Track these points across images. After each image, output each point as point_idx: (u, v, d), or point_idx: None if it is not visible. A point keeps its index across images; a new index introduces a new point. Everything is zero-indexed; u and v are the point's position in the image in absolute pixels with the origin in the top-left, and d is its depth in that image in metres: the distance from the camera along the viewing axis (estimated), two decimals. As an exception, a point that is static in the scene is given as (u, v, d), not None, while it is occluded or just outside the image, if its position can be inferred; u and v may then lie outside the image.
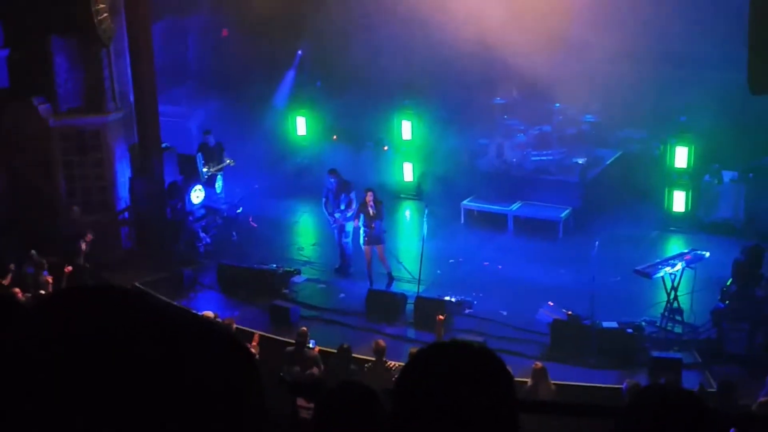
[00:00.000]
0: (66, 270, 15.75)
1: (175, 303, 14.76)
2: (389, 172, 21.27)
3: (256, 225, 19.64)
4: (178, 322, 1.36)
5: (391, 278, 16.82)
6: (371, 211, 16.50)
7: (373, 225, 16.55)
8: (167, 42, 22.24)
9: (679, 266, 14.88)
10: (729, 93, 16.75)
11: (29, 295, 14.15)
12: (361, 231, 16.66)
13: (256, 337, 13.99)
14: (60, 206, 17.88)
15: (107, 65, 17.99)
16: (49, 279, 15.43)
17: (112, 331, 1.28)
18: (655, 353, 13.73)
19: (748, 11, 12.10)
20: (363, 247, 16.75)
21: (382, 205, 16.84)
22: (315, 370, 12.75)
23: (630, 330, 14.22)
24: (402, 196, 21.27)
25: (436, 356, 2.09)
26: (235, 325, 13.74)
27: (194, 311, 14.17)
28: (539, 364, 12.65)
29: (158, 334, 1.32)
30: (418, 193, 21.11)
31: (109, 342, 1.27)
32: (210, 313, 13.97)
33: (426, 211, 16.91)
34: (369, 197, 16.57)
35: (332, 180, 17.26)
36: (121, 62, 18.33)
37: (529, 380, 12.29)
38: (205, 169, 19.15)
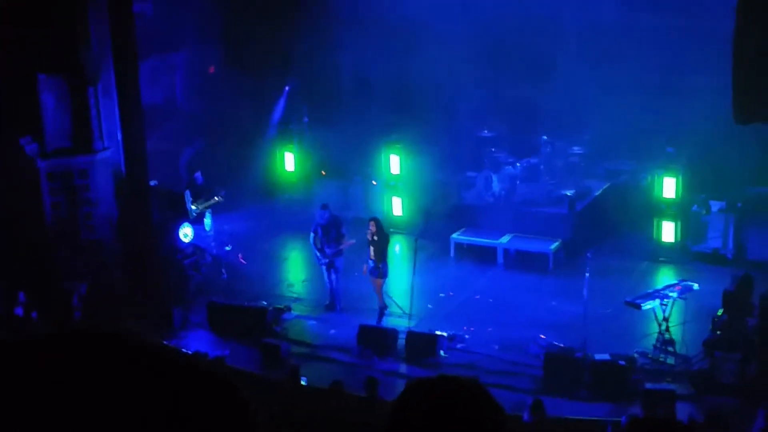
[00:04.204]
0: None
1: (165, 342, 14.69)
2: (378, 206, 21.27)
3: (245, 262, 19.60)
4: (168, 364, 1.35)
5: (382, 313, 16.77)
6: (372, 243, 16.59)
7: (371, 256, 16.62)
8: (154, 79, 22.30)
9: (669, 297, 14.88)
10: (715, 123, 16.83)
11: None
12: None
13: None
14: (48, 247, 17.78)
15: (94, 104, 17.98)
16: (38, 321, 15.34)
17: (103, 375, 1.27)
18: (648, 385, 13.70)
19: (732, 44, 12.23)
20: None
21: (386, 237, 16.85)
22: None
23: (622, 362, 14.18)
24: (391, 230, 21.28)
25: (427, 392, 2.07)
26: (225, 364, 13.65)
27: (184, 350, 14.12)
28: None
29: (149, 376, 1.30)
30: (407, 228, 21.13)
31: (100, 386, 1.25)
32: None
33: (416, 245, 16.90)
34: (372, 227, 16.64)
35: (324, 214, 17.25)
36: (109, 100, 18.33)
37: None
38: (193, 207, 19.11)
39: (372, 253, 16.69)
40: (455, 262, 19.79)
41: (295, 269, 20.19)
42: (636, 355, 14.67)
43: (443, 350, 15.37)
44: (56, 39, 16.95)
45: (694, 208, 19.16)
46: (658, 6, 21.38)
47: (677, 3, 21.16)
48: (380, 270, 16.68)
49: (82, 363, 1.30)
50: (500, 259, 19.63)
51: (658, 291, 15.29)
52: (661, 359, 14.77)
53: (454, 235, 20.12)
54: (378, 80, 22.34)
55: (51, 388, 1.27)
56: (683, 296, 15.07)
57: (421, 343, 15.39)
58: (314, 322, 17.13)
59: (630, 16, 21.41)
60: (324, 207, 17.42)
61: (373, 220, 16.95)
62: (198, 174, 20.00)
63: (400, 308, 16.83)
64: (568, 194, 20.12)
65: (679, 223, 19.10)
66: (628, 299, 15.20)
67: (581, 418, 13.07)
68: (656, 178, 19.33)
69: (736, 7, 12.10)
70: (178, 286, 18.10)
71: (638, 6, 21.46)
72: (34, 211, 17.81)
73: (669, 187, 19.08)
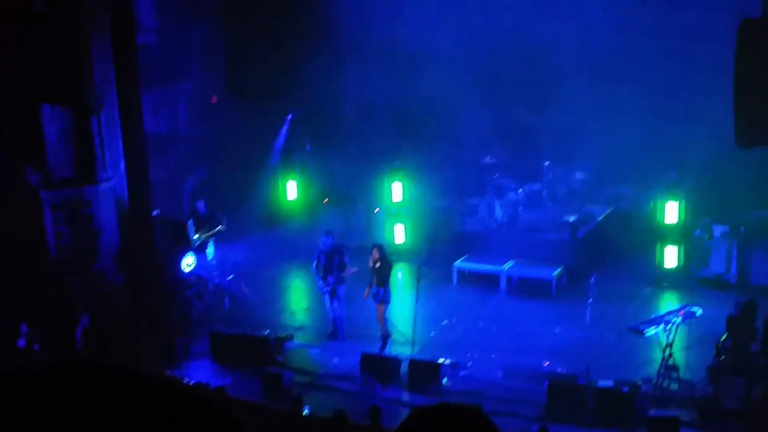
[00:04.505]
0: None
1: (168, 373, 14.67)
2: (381, 234, 21.26)
3: (247, 290, 19.59)
4: (169, 395, 1.35)
5: (385, 341, 16.73)
6: (374, 269, 16.59)
7: (373, 283, 16.63)
8: (158, 108, 22.39)
9: (673, 323, 14.83)
10: (717, 147, 16.85)
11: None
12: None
13: None
14: (51, 278, 17.79)
15: (98, 134, 18.04)
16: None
17: (102, 407, 1.27)
18: (653, 411, 13.64)
19: (733, 68, 12.26)
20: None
21: (389, 264, 16.85)
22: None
23: (626, 389, 14.11)
24: (394, 257, 21.27)
25: (430, 420, 2.07)
26: (227, 394, 13.62)
27: (186, 381, 14.08)
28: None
29: (149, 408, 1.30)
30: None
31: (99, 418, 1.25)
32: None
33: (419, 273, 16.88)
34: (375, 254, 16.65)
35: (328, 241, 17.26)
36: (112, 130, 18.39)
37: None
38: (195, 236, 19.13)
39: (375, 279, 16.70)
40: (458, 289, 19.76)
41: (298, 298, 20.18)
42: (640, 382, 14.60)
43: (446, 378, 15.32)
44: (60, 69, 17.03)
45: (697, 232, 19.14)
46: (658, 31, 21.46)
47: (678, 27, 21.25)
48: (382, 296, 16.66)
49: (81, 394, 1.31)
50: (503, 285, 19.60)
51: (661, 316, 15.23)
52: (665, 385, 14.70)
53: (457, 262, 20.11)
54: (380, 107, 22.44)
55: (50, 419, 1.27)
56: (687, 321, 15.02)
57: (424, 371, 15.34)
58: (317, 351, 17.09)
59: (631, 41, 21.50)
60: (328, 233, 17.43)
61: (376, 247, 16.96)
62: (200, 203, 20.03)
63: (403, 336, 16.79)
64: (571, 220, 20.12)
65: (681, 248, 19.08)
66: (631, 325, 15.15)
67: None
68: (659, 202, 19.31)
69: (737, 31, 12.15)
70: (180, 316, 18.08)
71: (639, 31, 21.55)
72: (38, 242, 17.83)
73: (671, 212, 19.06)
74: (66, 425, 1.27)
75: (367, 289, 16.81)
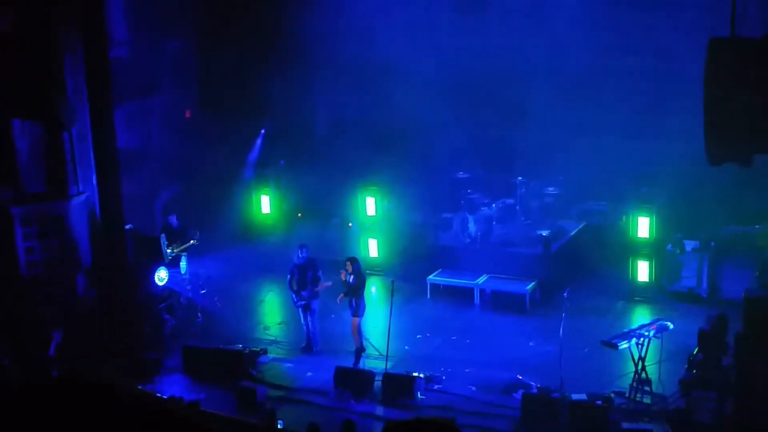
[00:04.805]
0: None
1: (140, 387, 14.57)
2: (354, 248, 21.27)
3: (220, 305, 19.52)
4: (143, 410, 1.36)
5: (359, 355, 16.70)
6: (346, 282, 16.57)
7: (344, 295, 16.68)
8: (130, 123, 22.30)
9: (645, 336, 14.92)
10: (688, 163, 16.98)
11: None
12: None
13: None
14: (22, 293, 17.63)
15: (69, 149, 17.94)
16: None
17: (78, 422, 1.28)
18: (625, 425, 13.70)
19: (703, 85, 12.38)
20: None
21: (363, 277, 16.82)
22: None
23: (599, 402, 14.18)
24: (368, 272, 21.26)
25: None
26: (200, 408, 13.52)
27: (160, 395, 13.98)
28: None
29: (123, 423, 1.32)
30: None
31: None
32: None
33: (392, 287, 16.89)
34: (349, 267, 16.63)
35: (303, 254, 17.23)
36: (84, 145, 18.28)
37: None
38: (168, 250, 19.05)
39: (348, 291, 16.67)
40: (432, 303, 19.79)
41: (272, 312, 20.12)
42: (613, 395, 14.66)
43: (420, 392, 15.31)
44: (31, 85, 16.92)
45: (669, 247, 19.29)
46: (629, 49, 21.67)
47: (648, 46, 21.47)
48: (355, 308, 16.64)
49: (57, 411, 1.32)
50: (477, 300, 19.65)
51: (633, 330, 15.31)
52: (637, 399, 14.77)
53: (431, 277, 20.15)
54: (353, 123, 22.50)
55: None
56: (659, 335, 15.11)
57: (398, 385, 15.33)
58: (291, 365, 17.03)
59: (602, 59, 21.69)
60: (303, 246, 17.41)
61: (349, 260, 16.94)
62: (173, 217, 19.97)
63: (377, 350, 16.78)
64: (544, 234, 20.21)
65: (653, 263, 19.22)
66: (604, 339, 15.21)
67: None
68: (631, 218, 19.45)
69: (706, 50, 12.28)
70: (153, 331, 17.98)
71: (610, 49, 21.74)
72: (8, 257, 17.67)
73: (643, 227, 19.21)
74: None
75: (342, 295, 16.78)
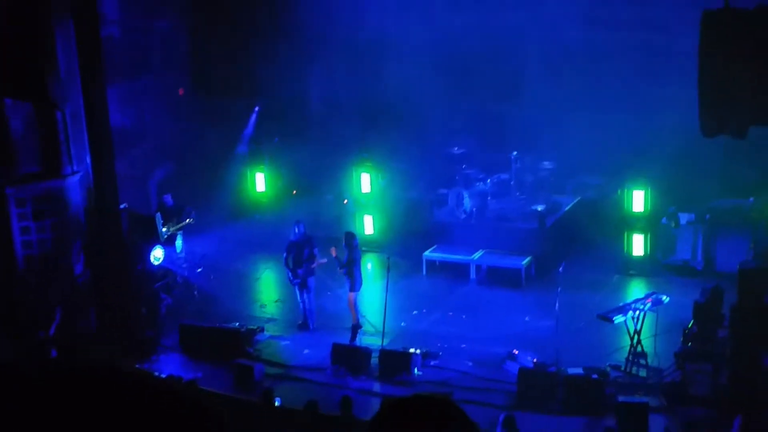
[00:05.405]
0: None
1: (138, 366, 14.61)
2: (350, 225, 21.27)
3: (216, 282, 19.51)
4: (141, 389, 1.35)
5: (355, 332, 16.73)
6: (340, 256, 16.58)
7: (341, 270, 16.70)
8: (124, 102, 22.22)
9: (640, 310, 14.97)
10: (683, 136, 17.00)
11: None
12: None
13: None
14: (17, 273, 17.62)
15: (63, 128, 17.87)
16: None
17: (78, 404, 1.27)
18: (621, 398, 13.74)
19: (698, 56, 12.37)
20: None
21: (355, 251, 16.81)
22: None
23: (595, 375, 14.25)
24: (363, 248, 21.29)
25: (402, 411, 2.09)
26: (198, 387, 13.58)
27: (157, 374, 14.03)
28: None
29: (123, 403, 1.31)
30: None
31: (74, 415, 1.26)
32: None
33: (388, 263, 16.90)
34: (344, 240, 16.66)
35: (299, 230, 17.23)
36: (78, 124, 18.22)
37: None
38: (164, 229, 19.03)
39: (341, 266, 16.68)
40: (428, 279, 19.82)
41: (268, 290, 20.15)
42: (608, 369, 14.74)
43: (417, 368, 15.36)
44: (23, 64, 16.85)
45: (664, 220, 19.31)
46: (622, 23, 21.61)
47: (640, 19, 21.42)
48: (351, 282, 16.65)
49: (58, 393, 1.31)
50: (473, 275, 19.68)
51: (629, 304, 15.37)
52: (633, 372, 14.84)
53: (427, 253, 20.17)
54: (347, 99, 22.43)
55: (24, 417, 1.27)
56: (654, 309, 15.17)
57: (395, 361, 15.38)
58: (287, 343, 17.08)
59: (594, 33, 21.62)
60: (298, 222, 17.43)
61: (347, 234, 16.96)
62: (168, 196, 19.93)
63: (373, 326, 16.82)
64: (539, 209, 20.23)
65: (648, 236, 19.24)
66: (600, 313, 15.28)
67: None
68: (625, 191, 19.45)
69: (700, 22, 12.26)
70: (149, 310, 17.99)
71: (602, 23, 21.68)
72: (2, 237, 17.65)
73: (638, 201, 19.22)
74: (41, 422, 1.28)
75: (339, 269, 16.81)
